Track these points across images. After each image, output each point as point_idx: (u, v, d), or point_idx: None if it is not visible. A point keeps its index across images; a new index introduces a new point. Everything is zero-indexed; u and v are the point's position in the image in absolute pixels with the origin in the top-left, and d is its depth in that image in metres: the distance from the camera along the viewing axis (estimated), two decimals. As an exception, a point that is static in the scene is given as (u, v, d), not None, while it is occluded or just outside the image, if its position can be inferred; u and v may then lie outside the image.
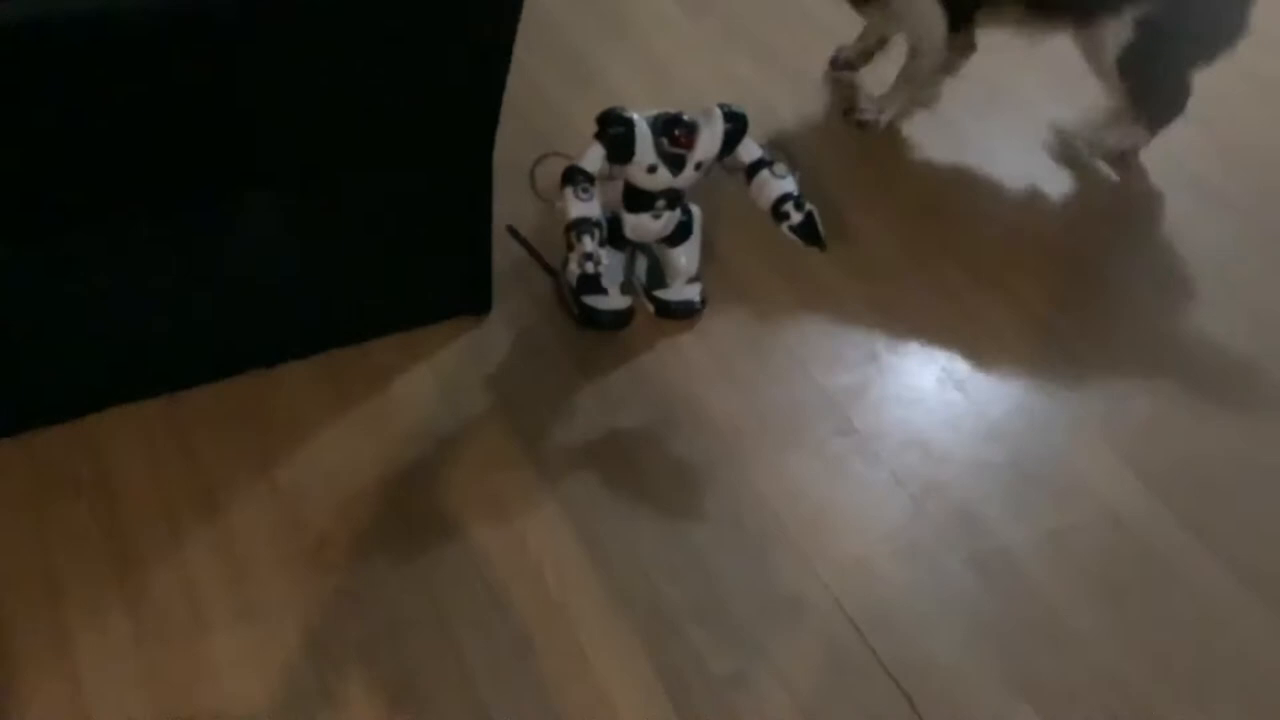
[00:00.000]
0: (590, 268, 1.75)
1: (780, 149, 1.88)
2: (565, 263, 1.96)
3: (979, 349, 1.96)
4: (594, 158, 1.78)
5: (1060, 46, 2.24)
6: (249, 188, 1.66)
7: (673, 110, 1.81)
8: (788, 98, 2.39)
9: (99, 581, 1.56)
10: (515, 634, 1.55)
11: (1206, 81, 2.26)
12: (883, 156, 2.31)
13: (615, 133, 1.77)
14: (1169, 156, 2.34)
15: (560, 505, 1.69)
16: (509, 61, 1.67)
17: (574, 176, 1.76)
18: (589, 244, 1.74)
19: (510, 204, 1.96)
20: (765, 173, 1.81)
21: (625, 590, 1.61)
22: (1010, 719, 1.52)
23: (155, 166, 1.56)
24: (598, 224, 1.77)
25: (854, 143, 2.32)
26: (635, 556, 1.65)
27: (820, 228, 1.81)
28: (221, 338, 1.77)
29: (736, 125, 1.81)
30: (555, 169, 1.82)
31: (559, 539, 1.65)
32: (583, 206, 1.76)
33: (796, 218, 1.80)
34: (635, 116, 1.79)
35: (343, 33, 1.55)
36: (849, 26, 2.57)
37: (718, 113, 1.81)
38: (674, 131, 1.78)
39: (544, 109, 2.26)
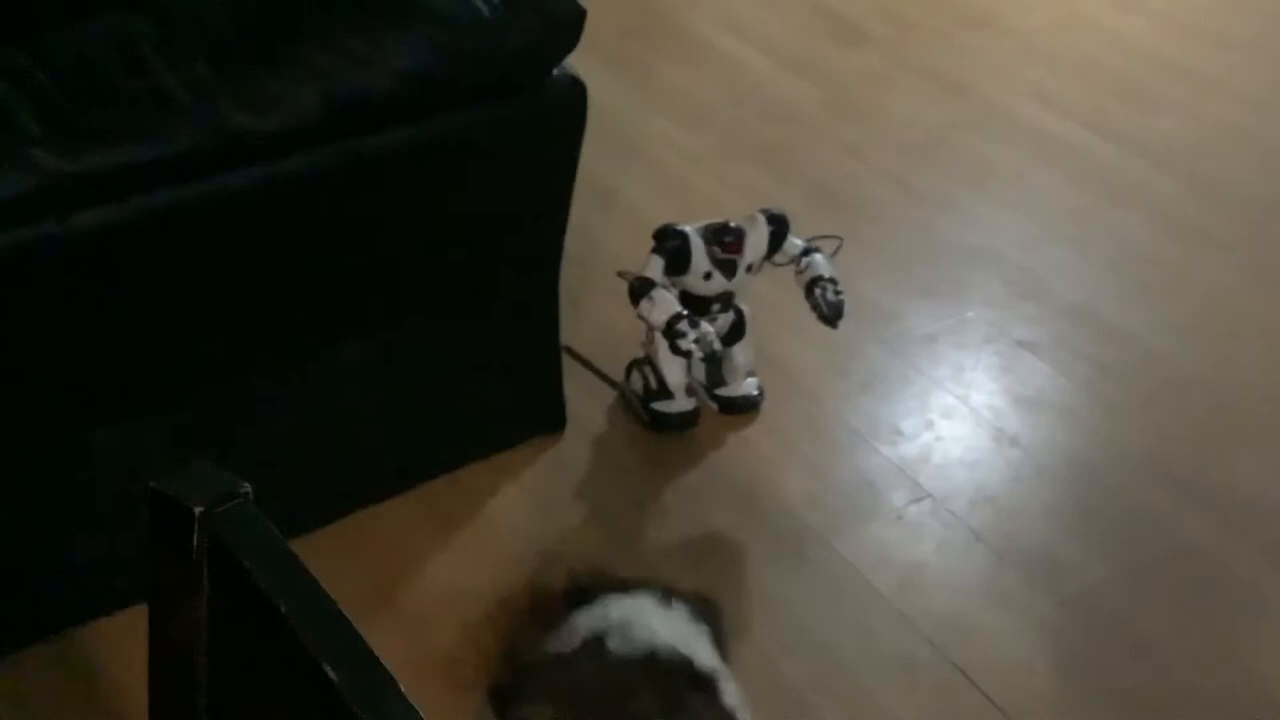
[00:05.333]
0: (712, 346, 1.86)
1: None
2: (628, 373, 2.08)
3: (1025, 406, 2.10)
4: (655, 268, 1.91)
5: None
6: (343, 339, 1.76)
7: (719, 220, 1.94)
8: (793, 196, 2.54)
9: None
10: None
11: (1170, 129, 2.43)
12: (910, 238, 2.46)
13: (672, 246, 1.90)
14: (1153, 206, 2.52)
15: (670, 600, 1.79)
16: (567, 209, 1.81)
17: (646, 285, 1.88)
18: (699, 328, 1.85)
19: (563, 327, 2.07)
20: (816, 256, 1.95)
21: (747, 671, 1.68)
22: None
23: (262, 330, 1.66)
24: (683, 314, 1.87)
25: (872, 234, 2.48)
26: (751, 639, 1.74)
27: (842, 312, 1.93)
28: (326, 482, 1.85)
29: (779, 226, 1.95)
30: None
31: (676, 632, 1.74)
32: (669, 304, 1.88)
33: (833, 297, 1.93)
34: (688, 229, 1.92)
35: (431, 211, 1.69)
36: (834, 111, 2.75)
37: (760, 217, 1.95)
38: (724, 239, 1.91)
39: (578, 239, 2.38)
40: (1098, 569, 1.84)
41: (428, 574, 1.81)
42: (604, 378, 2.11)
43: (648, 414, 2.04)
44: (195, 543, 0.57)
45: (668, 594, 1.40)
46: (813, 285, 1.93)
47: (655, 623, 1.34)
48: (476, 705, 1.64)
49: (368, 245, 1.67)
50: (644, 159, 2.66)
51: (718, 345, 1.88)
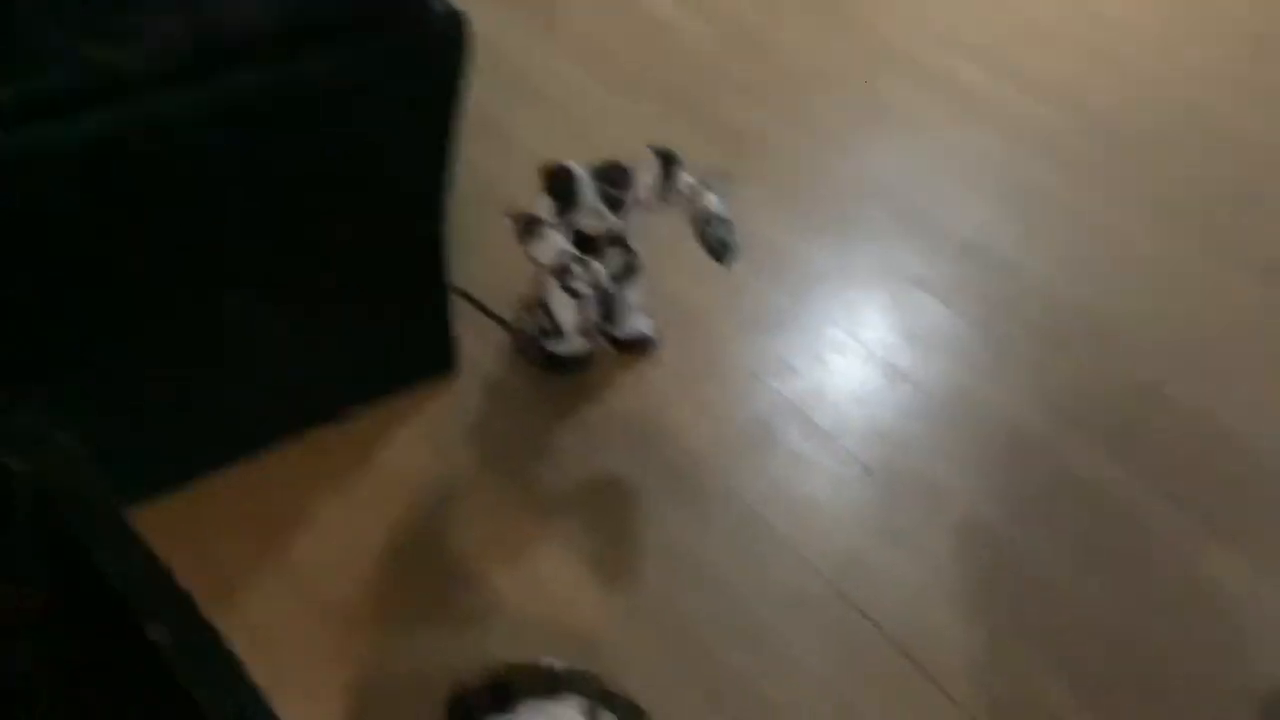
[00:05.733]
0: (602, 284, 1.83)
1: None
2: (521, 314, 2.05)
3: (915, 342, 2.11)
4: (544, 207, 1.87)
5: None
6: (222, 288, 1.71)
7: (609, 158, 1.91)
8: (690, 134, 2.52)
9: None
10: (551, 669, 1.62)
11: (1066, 68, 2.44)
12: (805, 176, 2.46)
13: (560, 184, 1.87)
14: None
15: (565, 541, 1.78)
16: (454, 149, 1.76)
17: (534, 225, 1.85)
18: (588, 267, 1.82)
19: (454, 267, 2.03)
20: (707, 194, 1.91)
21: (645, 610, 1.70)
22: (1016, 665, 1.66)
23: (139, 280, 1.60)
24: (571, 253, 1.83)
25: (766, 171, 2.47)
26: (647, 578, 1.74)
27: (733, 250, 1.88)
28: (209, 433, 1.80)
29: (669, 163, 1.93)
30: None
31: (572, 573, 1.74)
32: (557, 243, 1.84)
33: (723, 234, 1.89)
34: (576, 167, 1.89)
35: (309, 149, 1.63)
36: (730, 49, 2.73)
37: (650, 154, 1.92)
38: (613, 177, 1.89)
39: (471, 178, 2.33)
40: (988, 501, 1.86)
41: (319, 522, 1.78)
42: (496, 319, 2.08)
43: (541, 355, 2.02)
44: (16, 499, 0.54)
45: (594, 703, 1.31)
46: (703, 223, 1.91)
47: None
48: (359, 657, 1.63)
49: (242, 186, 1.60)
50: (541, 98, 2.61)
51: (607, 283, 1.86)
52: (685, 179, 1.94)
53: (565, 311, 1.96)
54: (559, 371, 2.02)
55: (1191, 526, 1.84)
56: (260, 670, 1.58)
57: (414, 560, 1.74)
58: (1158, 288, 2.25)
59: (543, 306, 1.99)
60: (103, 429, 1.68)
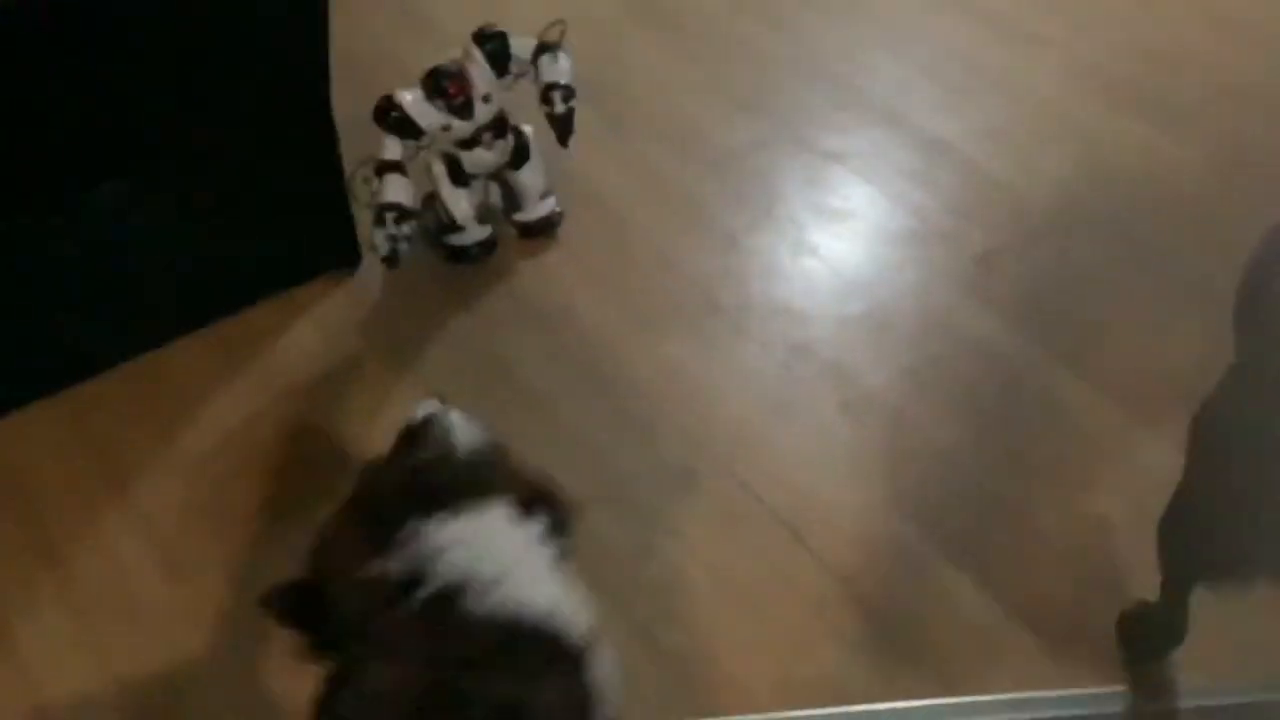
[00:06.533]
0: (400, 246, 1.87)
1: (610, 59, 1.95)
2: (424, 206, 2.04)
3: (827, 217, 2.08)
4: (392, 147, 1.87)
5: None
6: (105, 178, 1.71)
7: (434, 64, 1.87)
8: (611, 4, 2.46)
9: (28, 574, 1.62)
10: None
11: None
12: (729, 48, 2.41)
13: (393, 120, 1.85)
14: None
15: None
16: (325, 29, 1.74)
17: (383, 168, 1.86)
18: (390, 228, 1.86)
19: (360, 157, 2.02)
20: (544, 58, 1.90)
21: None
22: (898, 536, 1.65)
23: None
24: (398, 206, 1.85)
25: (684, 44, 2.42)
26: (533, 458, 1.74)
27: (571, 127, 1.91)
28: (108, 327, 1.83)
29: (495, 45, 1.88)
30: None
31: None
32: (388, 191, 1.86)
33: (559, 108, 1.90)
34: (403, 95, 1.85)
35: (166, 29, 1.62)
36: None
37: (473, 46, 1.88)
38: (443, 85, 1.85)
39: (381, 61, 2.31)
40: (880, 374, 1.84)
41: (212, 413, 1.80)
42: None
43: (442, 248, 2.01)
44: None
45: (525, 503, 1.16)
46: (543, 94, 1.88)
47: (523, 579, 1.11)
48: (243, 542, 1.65)
49: (106, 73, 1.60)
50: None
51: (401, 247, 1.87)
52: (518, 54, 1.90)
53: (458, 205, 1.95)
54: (462, 261, 2.01)
55: (1093, 399, 1.81)
56: (145, 547, 1.63)
57: (300, 449, 1.76)
58: (1087, 162, 2.18)
59: (437, 200, 1.98)
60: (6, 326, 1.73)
